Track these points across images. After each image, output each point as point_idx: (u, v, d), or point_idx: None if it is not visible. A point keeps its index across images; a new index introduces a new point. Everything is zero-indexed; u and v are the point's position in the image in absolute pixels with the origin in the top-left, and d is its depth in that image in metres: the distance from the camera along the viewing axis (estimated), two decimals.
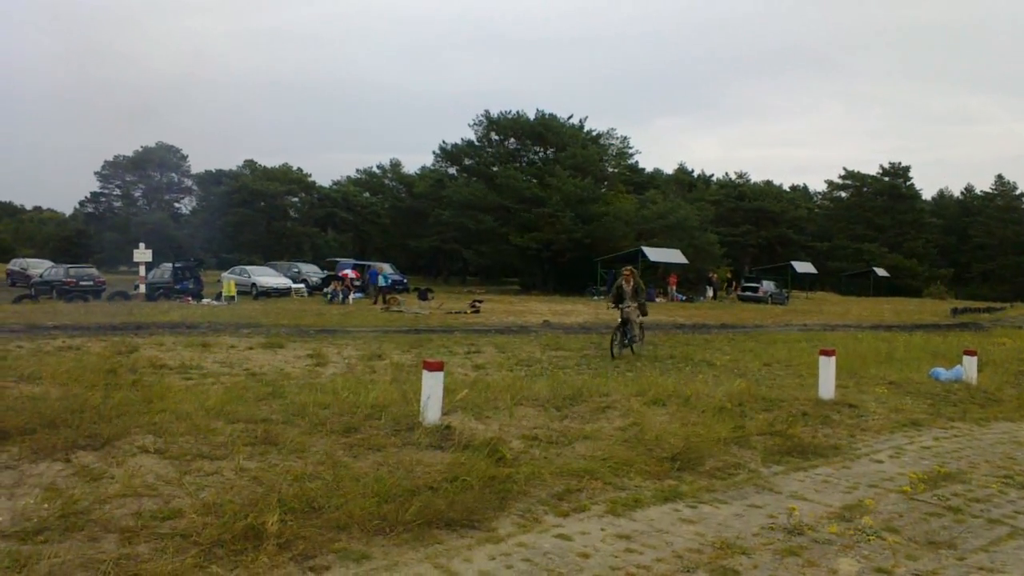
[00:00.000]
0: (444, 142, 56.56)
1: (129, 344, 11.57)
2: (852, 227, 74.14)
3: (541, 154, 53.77)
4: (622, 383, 9.30)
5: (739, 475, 5.88)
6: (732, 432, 6.85)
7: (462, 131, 70.74)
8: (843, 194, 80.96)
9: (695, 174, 78.27)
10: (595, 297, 36.66)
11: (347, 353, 12.37)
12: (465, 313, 24.29)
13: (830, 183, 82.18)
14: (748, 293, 43.90)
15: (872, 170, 78.16)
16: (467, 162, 55.03)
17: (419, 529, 4.25)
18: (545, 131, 51.70)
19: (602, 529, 4.52)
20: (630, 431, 6.71)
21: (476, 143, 54.18)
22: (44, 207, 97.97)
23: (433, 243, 58.99)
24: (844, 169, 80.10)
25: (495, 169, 51.27)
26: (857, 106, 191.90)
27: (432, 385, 6.51)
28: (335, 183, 76.06)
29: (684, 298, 40.02)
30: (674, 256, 41.77)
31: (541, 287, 47.20)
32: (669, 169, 77.82)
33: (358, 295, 31.20)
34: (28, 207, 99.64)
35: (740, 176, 79.28)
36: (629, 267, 14.29)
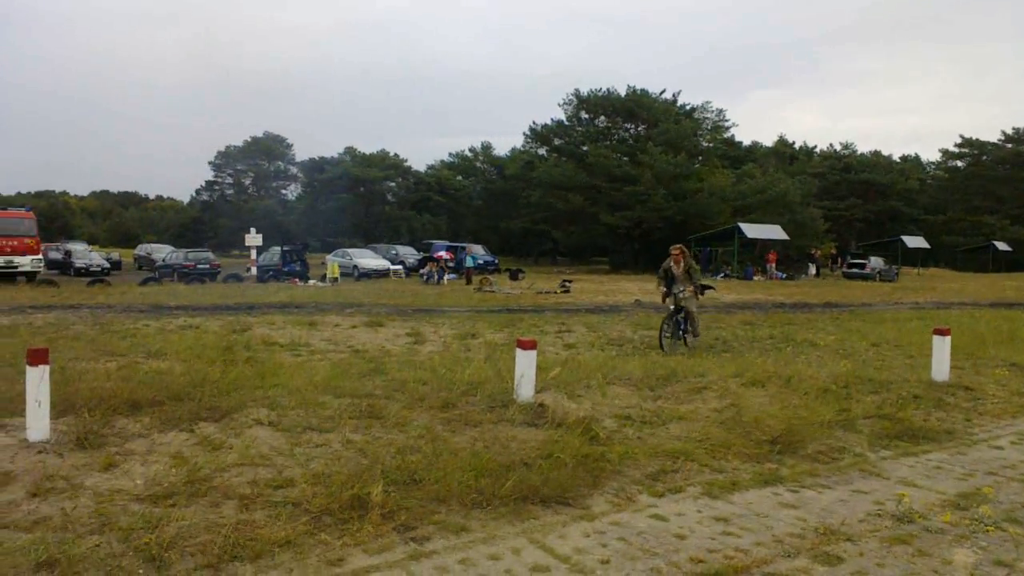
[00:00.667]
0: (534, 123, 56.42)
1: (243, 323, 12.31)
2: (969, 199, 68.63)
3: (632, 131, 52.67)
4: (718, 364, 9.08)
5: (844, 459, 5.65)
6: (836, 415, 6.57)
7: (552, 111, 69.89)
8: (959, 163, 74.87)
9: (796, 146, 74.51)
10: None
11: (443, 332, 12.67)
12: (555, 293, 24.31)
13: (945, 152, 76.11)
14: (854, 270, 41.64)
15: (992, 137, 71.97)
16: (557, 142, 54.65)
17: (515, 504, 4.34)
18: (636, 107, 50.49)
19: (698, 511, 4.47)
20: (727, 413, 6.56)
21: (566, 122, 53.66)
22: (165, 196, 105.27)
23: (523, 224, 59.17)
24: (960, 137, 74.26)
25: (585, 148, 50.65)
26: (974, 70, 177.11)
27: (525, 363, 6.59)
28: (429, 167, 77.51)
29: (784, 276, 38.41)
30: (773, 232, 40.07)
31: (631, 266, 46.53)
32: (768, 142, 74.43)
33: (452, 276, 31.84)
34: (151, 196, 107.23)
35: (846, 147, 74.70)
36: (679, 246, 11.68)
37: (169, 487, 4.29)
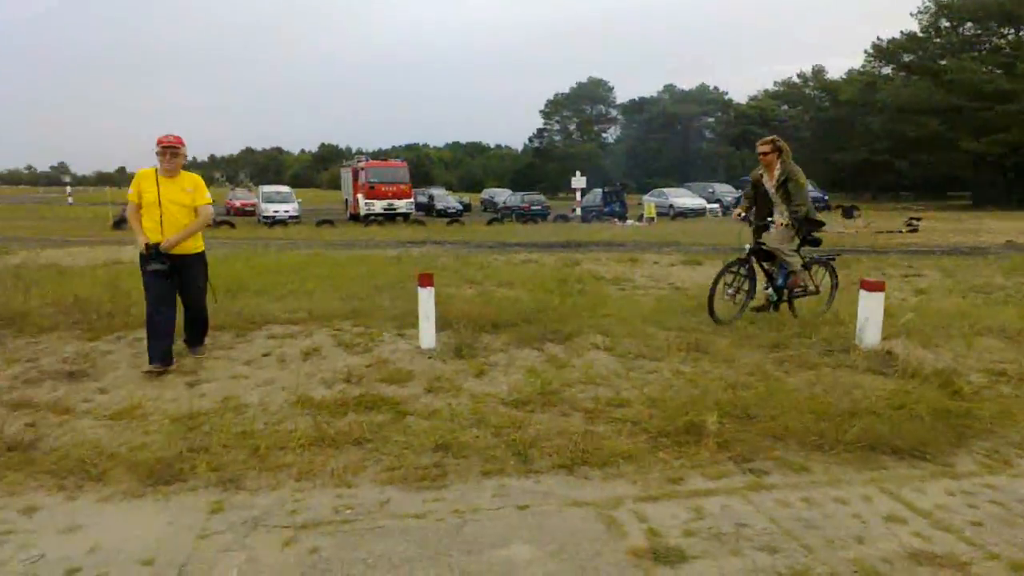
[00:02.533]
0: (879, 38, 49.33)
1: (572, 259, 13.23)
2: None
3: (1009, 37, 42.99)
4: None
5: None
6: None
7: (902, 23, 60.18)
8: None
9: None
10: None
11: None
12: (900, 232, 21.42)
13: None
14: None
15: None
16: (906, 58, 47.14)
17: (861, 452, 4.11)
18: (1016, 7, 40.89)
19: None
20: None
21: (920, 34, 45.85)
22: (503, 144, 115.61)
23: (860, 155, 52.70)
24: None
25: (943, 63, 42.85)
26: None
27: (871, 306, 6.04)
28: (751, 98, 72.92)
29: None
30: None
31: (1001, 202, 38.65)
32: None
33: None
34: (492, 145, 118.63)
35: None
36: (769, 139, 6.95)
37: (526, 395, 4.93)
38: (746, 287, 6.90)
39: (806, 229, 6.82)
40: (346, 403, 4.77)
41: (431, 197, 39.97)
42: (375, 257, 13.42)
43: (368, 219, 29.00)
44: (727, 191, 39.12)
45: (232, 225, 26.90)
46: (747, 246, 6.91)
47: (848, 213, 28.58)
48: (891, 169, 51.92)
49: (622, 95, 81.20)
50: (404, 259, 12.99)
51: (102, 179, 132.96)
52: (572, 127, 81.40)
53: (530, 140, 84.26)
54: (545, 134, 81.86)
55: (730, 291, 6.80)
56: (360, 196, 30.23)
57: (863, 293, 6.10)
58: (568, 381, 5.22)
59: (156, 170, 5.27)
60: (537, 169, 74.19)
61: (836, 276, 7.49)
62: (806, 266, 7.09)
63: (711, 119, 70.91)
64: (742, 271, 6.82)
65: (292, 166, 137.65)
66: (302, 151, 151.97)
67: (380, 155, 44.84)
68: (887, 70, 50.33)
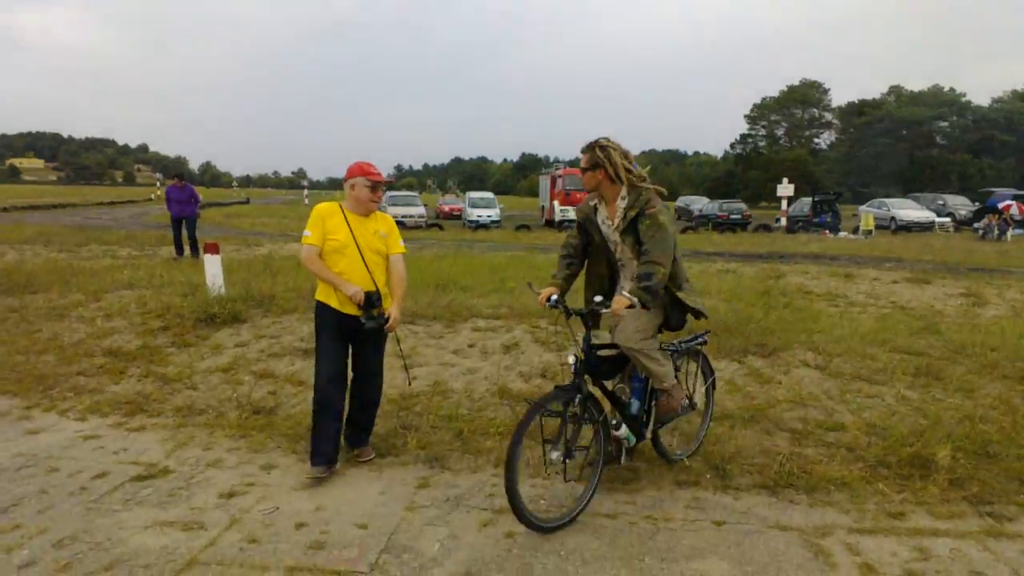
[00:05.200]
0: None
1: (776, 271, 12.45)
2: None
3: None
4: None
5: None
6: None
7: None
8: None
9: None
10: None
11: (1010, 296, 10.53)
12: None
13: None
14: None
15: None
16: None
17: None
18: None
19: None
20: None
21: None
22: (702, 152, 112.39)
23: None
24: None
25: None
26: None
27: None
28: (995, 100, 64.00)
29: None
30: None
31: None
32: None
33: (1020, 231, 25.95)
34: (689, 152, 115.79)
35: None
36: (591, 144, 3.58)
37: (726, 409, 4.72)
38: (583, 436, 3.54)
39: (673, 314, 3.65)
40: None
41: None
42: None
43: (562, 224, 29.56)
44: (961, 203, 34.53)
45: (441, 228, 28.85)
46: (571, 356, 3.48)
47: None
48: None
49: (838, 98, 75.16)
50: None
51: (333, 183, 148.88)
52: (780, 132, 76.73)
53: (732, 146, 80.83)
54: (749, 140, 77.96)
55: (555, 453, 3.34)
56: (556, 202, 30.98)
57: None
58: (773, 398, 4.92)
59: (342, 206, 3.93)
60: (738, 177, 70.92)
61: (711, 370, 4.28)
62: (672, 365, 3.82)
63: (944, 123, 63.11)
64: (575, 408, 3.42)
65: (495, 174, 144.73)
66: (504, 160, 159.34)
67: (577, 164, 45.59)
68: None
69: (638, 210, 3.49)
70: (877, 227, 28.38)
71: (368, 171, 3.91)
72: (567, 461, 3.36)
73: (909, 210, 31.52)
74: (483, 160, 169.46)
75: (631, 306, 3.30)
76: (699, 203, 41.17)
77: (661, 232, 3.42)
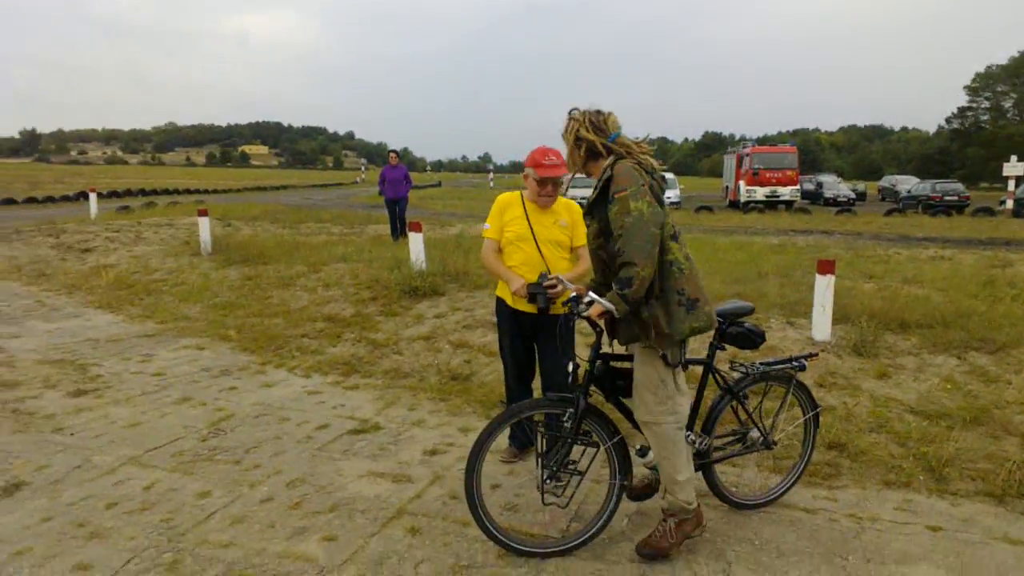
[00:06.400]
0: None
1: (1001, 258, 11.01)
2: None
3: None
4: None
5: None
6: None
7: None
8: None
9: None
10: None
11: None
12: None
13: None
14: None
15: None
16: None
17: None
18: None
19: None
20: None
21: None
22: (910, 127, 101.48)
23: None
24: None
25: None
26: None
27: None
28: None
29: None
30: None
31: None
32: None
33: None
34: (895, 128, 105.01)
35: None
36: (576, 116, 2.86)
37: (943, 408, 4.31)
38: (572, 457, 2.99)
39: (621, 325, 2.79)
40: None
41: (819, 184, 36.92)
42: (756, 244, 12.95)
43: (747, 206, 28.09)
44: None
45: None
46: (571, 361, 2.94)
47: None
48: None
49: None
50: (788, 247, 12.29)
51: (515, 167, 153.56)
52: (1008, 104, 66.82)
53: (947, 121, 71.74)
54: (969, 113, 68.71)
55: (538, 469, 2.97)
56: (742, 182, 29.41)
57: None
58: (1001, 399, 4.41)
59: (522, 195, 3.68)
60: (952, 154, 63.05)
61: (813, 403, 3.43)
62: (729, 393, 3.20)
63: None
64: (565, 422, 2.93)
65: (675, 154, 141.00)
66: (685, 140, 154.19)
67: (765, 141, 42.85)
68: None
69: (598, 191, 2.80)
70: None
71: (539, 162, 3.49)
72: (548, 483, 2.90)
73: None
74: (664, 140, 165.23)
75: (606, 313, 2.67)
76: (908, 183, 37.23)
77: (632, 221, 2.61)
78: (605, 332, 2.86)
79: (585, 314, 2.74)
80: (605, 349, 2.93)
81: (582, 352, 3.39)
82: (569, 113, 2.90)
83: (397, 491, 3.55)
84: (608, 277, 2.80)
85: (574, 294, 2.95)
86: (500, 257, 3.66)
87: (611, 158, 2.79)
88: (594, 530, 3.02)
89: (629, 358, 2.98)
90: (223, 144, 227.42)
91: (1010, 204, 26.52)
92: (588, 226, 2.90)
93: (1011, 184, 27.29)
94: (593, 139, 2.81)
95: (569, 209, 3.68)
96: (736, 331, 3.12)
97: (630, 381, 2.94)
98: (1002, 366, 4.90)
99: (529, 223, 3.58)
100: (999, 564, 2.88)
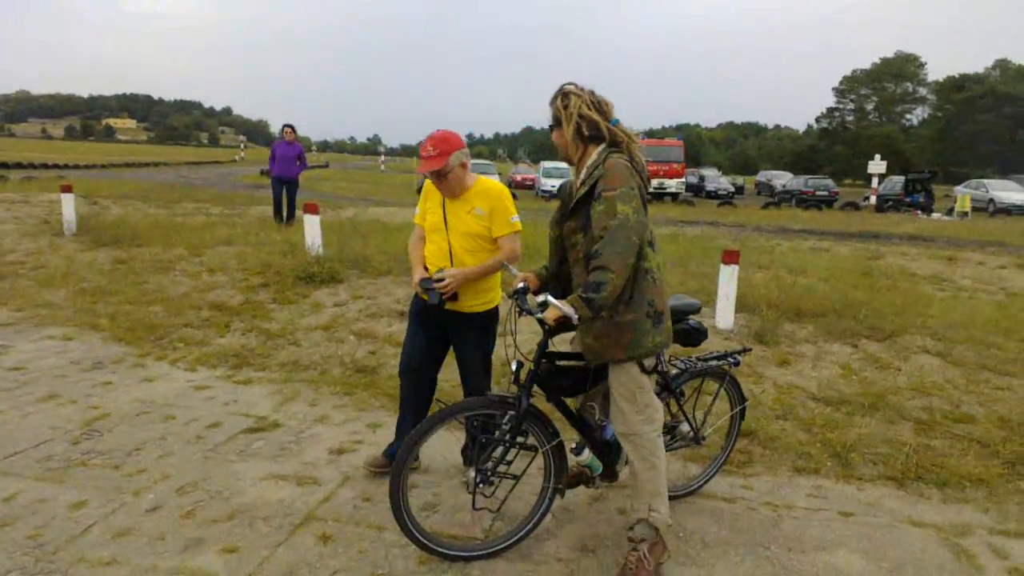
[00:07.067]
0: None
1: (872, 251, 11.85)
2: None
3: None
4: None
5: None
6: None
7: None
8: None
9: None
10: None
11: None
12: None
13: None
14: None
15: None
16: None
17: None
18: None
19: None
20: None
21: None
22: (783, 125, 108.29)
23: None
24: None
25: None
26: None
27: None
28: None
29: None
30: None
31: None
32: None
33: None
34: (769, 126, 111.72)
35: None
36: (569, 91, 2.61)
37: (842, 394, 4.48)
38: (508, 459, 2.78)
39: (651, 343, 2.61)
40: None
41: (702, 178, 38.64)
42: None
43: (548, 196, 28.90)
44: None
45: (515, 197, 28.64)
46: (514, 361, 2.74)
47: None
48: None
49: (935, 72, 70.74)
50: (679, 237, 12.68)
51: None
52: (869, 107, 72.76)
53: (817, 120, 77.22)
54: (836, 114, 74.29)
55: (470, 472, 2.74)
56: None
57: None
58: (893, 386, 4.64)
59: None
60: (822, 152, 67.98)
61: (741, 397, 3.41)
62: (666, 390, 3.07)
63: None
64: (504, 426, 2.75)
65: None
66: None
67: (652, 135, 44.32)
68: None
69: (588, 187, 2.55)
70: (973, 209, 26.77)
71: (420, 155, 3.12)
72: (481, 486, 2.71)
73: (1011, 192, 29.52)
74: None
75: (564, 318, 2.41)
76: (782, 178, 39.65)
77: (617, 225, 2.42)
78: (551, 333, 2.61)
79: (539, 316, 2.50)
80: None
81: (526, 348, 3.13)
82: (562, 87, 2.61)
83: (303, 495, 3.26)
84: (562, 268, 2.63)
85: (521, 285, 2.72)
86: (421, 244, 3.35)
87: (605, 149, 2.57)
88: (523, 533, 2.87)
89: (577, 356, 2.81)
90: (84, 117, 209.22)
91: (873, 200, 28.83)
92: (570, 225, 2.68)
93: (874, 181, 29.66)
94: (597, 119, 2.56)
95: (487, 195, 3.17)
96: (681, 328, 3.04)
97: (574, 381, 2.80)
98: (891, 353, 5.19)
99: (444, 212, 3.21)
100: (907, 546, 2.98)
